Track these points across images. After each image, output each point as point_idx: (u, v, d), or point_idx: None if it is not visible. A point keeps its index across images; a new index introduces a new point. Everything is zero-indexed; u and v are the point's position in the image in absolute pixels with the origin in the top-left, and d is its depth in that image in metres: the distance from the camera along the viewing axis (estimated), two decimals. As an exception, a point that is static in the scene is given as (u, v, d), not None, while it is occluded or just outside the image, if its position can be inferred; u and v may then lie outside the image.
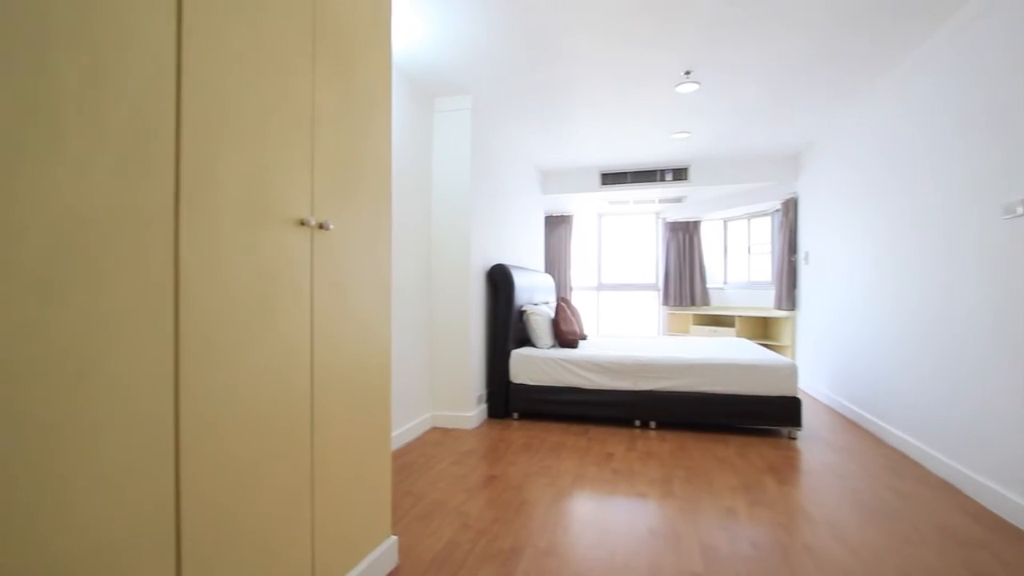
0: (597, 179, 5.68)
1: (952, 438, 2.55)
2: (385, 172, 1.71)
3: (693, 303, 6.64)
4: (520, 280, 4.05)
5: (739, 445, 3.16)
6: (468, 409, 3.55)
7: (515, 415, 3.82)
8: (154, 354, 0.89)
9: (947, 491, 2.43)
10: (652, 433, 3.43)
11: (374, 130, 1.65)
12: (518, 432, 3.45)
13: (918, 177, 2.91)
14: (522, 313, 4.09)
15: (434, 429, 3.51)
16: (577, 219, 7.29)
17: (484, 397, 3.83)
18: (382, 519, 1.70)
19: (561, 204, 6.63)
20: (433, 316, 3.61)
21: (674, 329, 6.86)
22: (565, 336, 4.06)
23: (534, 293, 4.51)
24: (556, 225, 7.06)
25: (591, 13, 2.50)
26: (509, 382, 3.80)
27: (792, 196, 5.24)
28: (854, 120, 3.80)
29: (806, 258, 4.94)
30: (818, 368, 4.59)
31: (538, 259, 5.85)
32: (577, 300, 7.31)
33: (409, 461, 2.85)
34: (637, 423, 3.61)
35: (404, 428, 3.20)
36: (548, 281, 5.23)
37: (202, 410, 0.99)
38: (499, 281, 3.86)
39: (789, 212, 5.24)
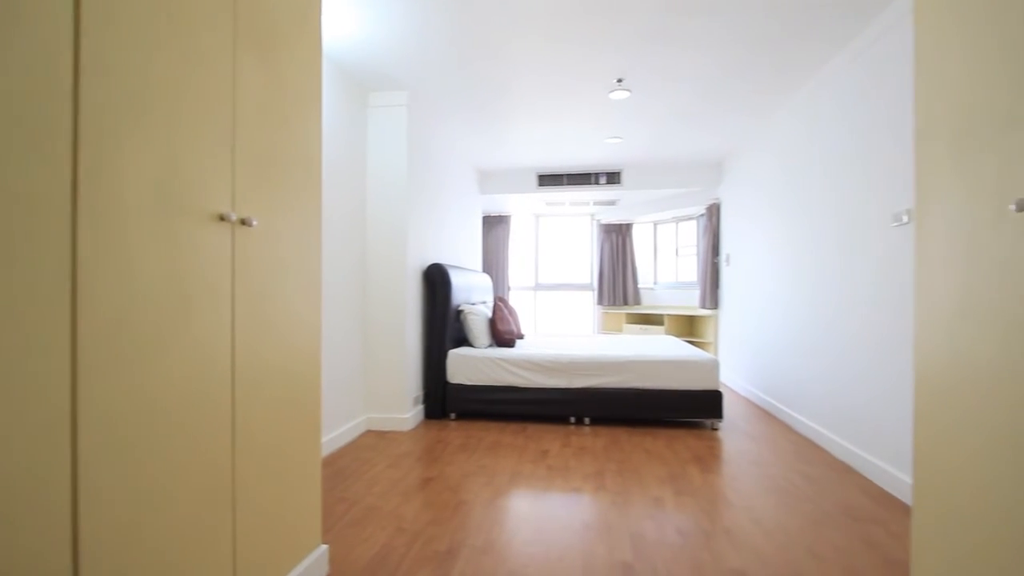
0: (534, 180, 5.76)
1: (851, 425, 2.81)
2: (315, 167, 1.65)
3: (626, 303, 6.88)
4: (457, 280, 4.03)
5: (667, 438, 3.32)
6: (404, 411, 3.49)
7: (453, 415, 3.80)
8: (47, 355, 0.80)
9: (848, 473, 2.67)
10: (586, 429, 3.52)
11: (303, 123, 1.58)
12: (456, 432, 3.43)
13: (820, 188, 3.18)
14: (459, 313, 4.08)
15: (369, 432, 3.42)
16: (515, 219, 7.36)
17: (421, 398, 3.78)
18: (311, 528, 1.63)
19: (499, 204, 6.67)
20: (368, 316, 3.51)
21: (608, 328, 7.08)
22: (502, 335, 4.09)
23: (471, 293, 4.50)
24: (494, 225, 7.09)
25: (527, 13, 2.53)
26: (446, 382, 3.78)
27: (715, 201, 5.56)
28: (768, 133, 4.09)
29: (727, 260, 5.26)
30: (737, 363, 4.90)
31: (476, 259, 5.85)
32: (515, 300, 7.39)
33: (343, 466, 2.76)
34: (572, 420, 3.70)
35: (337, 432, 3.09)
36: (486, 281, 5.24)
37: (103, 416, 0.91)
38: (436, 280, 3.82)
39: (713, 216, 5.56)
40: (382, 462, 2.84)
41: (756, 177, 4.42)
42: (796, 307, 3.57)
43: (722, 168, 5.45)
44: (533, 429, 3.52)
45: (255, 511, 1.35)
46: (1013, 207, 1.01)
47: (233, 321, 1.26)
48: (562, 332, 7.12)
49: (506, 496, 2.37)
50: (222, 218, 1.21)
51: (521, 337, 4.81)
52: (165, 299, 1.05)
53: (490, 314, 4.29)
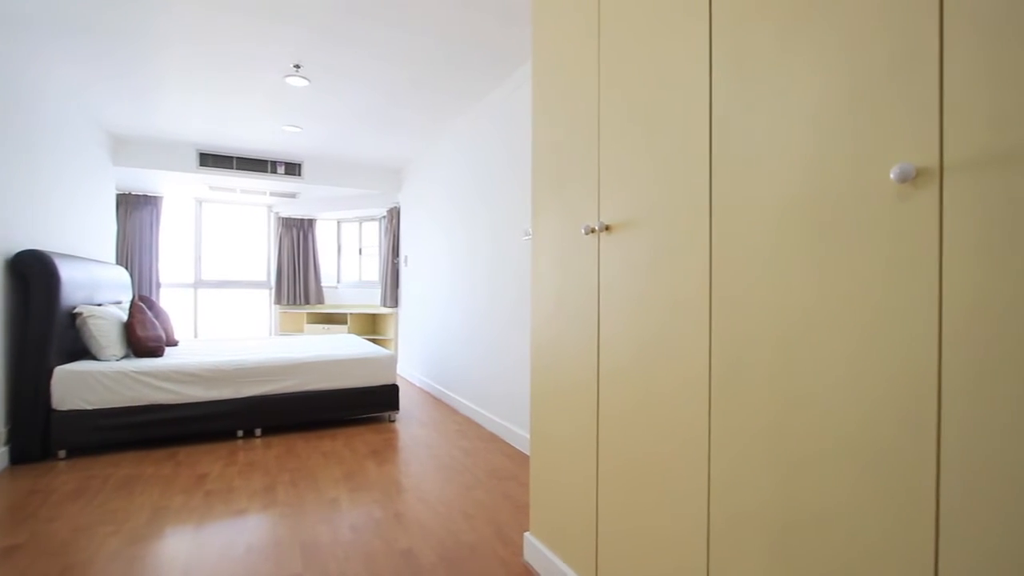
0: (195, 159, 4.89)
1: (498, 400, 3.40)
2: None
3: (308, 302, 6.56)
4: (71, 273, 3.08)
5: (346, 436, 3.32)
6: (-32, 459, 2.45)
7: (62, 453, 2.88)
8: None
9: (496, 442, 3.22)
10: (257, 441, 3.20)
11: None
12: (66, 475, 2.61)
13: (479, 203, 3.76)
14: (75, 316, 3.12)
15: None
16: (168, 202, 6.08)
17: (3, 437, 2.72)
18: None
19: (144, 182, 5.39)
20: None
21: (287, 329, 6.61)
22: (144, 343, 3.33)
23: (97, 290, 3.51)
24: (137, 207, 5.69)
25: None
26: (51, 410, 2.84)
27: (396, 205, 5.87)
28: (439, 149, 4.57)
29: (405, 261, 5.63)
30: (414, 356, 5.31)
31: (107, 248, 4.58)
32: (167, 300, 6.10)
33: None
34: (240, 434, 3.31)
35: None
36: (121, 276, 4.17)
37: None
38: (32, 273, 2.82)
39: (393, 219, 5.85)
40: (-81, 541, 1.92)
41: (429, 188, 4.87)
42: (459, 304, 4.10)
43: (402, 175, 5.79)
44: (188, 452, 2.99)
45: None
46: (583, 230, 1.41)
47: None
48: (231, 336, 6.27)
49: (143, 542, 1.94)
50: None
51: (174, 344, 4.03)
52: None
53: (126, 317, 3.44)
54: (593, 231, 1.39)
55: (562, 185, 1.57)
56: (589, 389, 1.43)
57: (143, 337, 3.33)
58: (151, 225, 5.78)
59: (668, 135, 1.15)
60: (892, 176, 0.71)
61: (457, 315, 4.17)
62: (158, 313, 4.01)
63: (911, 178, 0.70)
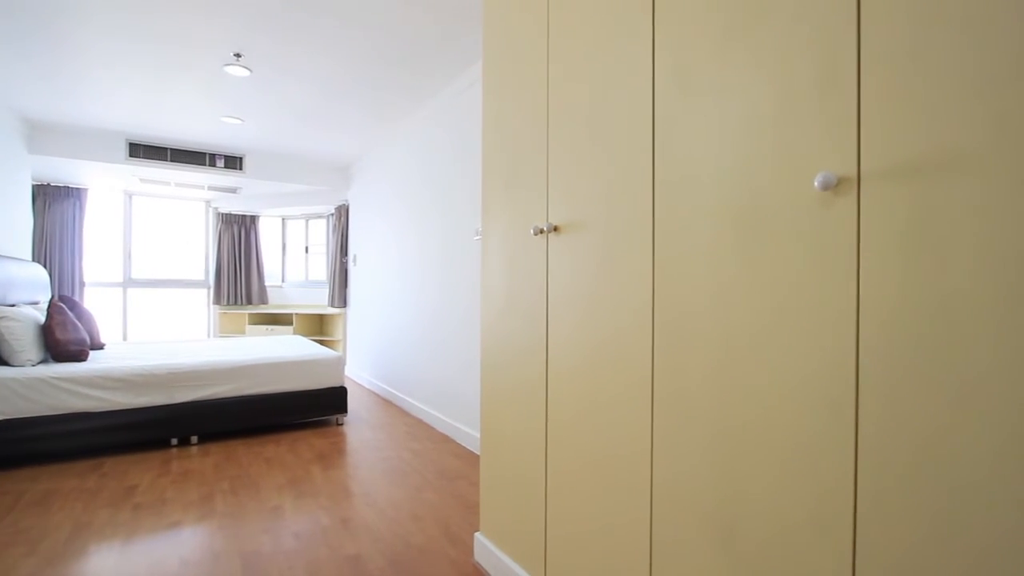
0: (124, 149, 4.58)
1: (449, 402, 3.38)
2: None
3: (250, 302, 6.28)
4: (-21, 272, 2.81)
5: (291, 441, 3.21)
6: None
7: (-34, 469, 2.63)
8: None
9: (447, 443, 3.20)
10: (194, 449, 3.04)
11: None
12: (-29, 492, 2.39)
13: (430, 203, 3.72)
14: (-17, 320, 2.85)
15: None
16: (94, 195, 5.66)
17: None
18: None
19: (66, 172, 4.99)
20: None
21: (228, 330, 6.30)
22: (65, 347, 3.08)
23: (10, 290, 3.23)
24: (58, 200, 5.27)
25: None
26: (-47, 422, 2.58)
27: (344, 203, 5.71)
28: (388, 148, 4.49)
29: (355, 260, 5.49)
30: (363, 357, 5.19)
31: (21, 243, 4.21)
32: (92, 300, 5.68)
33: None
34: (175, 441, 3.12)
35: None
36: (38, 274, 3.85)
37: None
38: (-68, 273, 2.56)
39: (341, 217, 5.70)
40: None
41: (379, 186, 4.78)
42: (410, 303, 4.04)
43: (350, 172, 5.65)
44: (115, 463, 2.80)
45: None
46: (532, 231, 1.42)
47: None
48: (165, 338, 5.92)
49: (61, 562, 1.80)
50: None
51: (99, 347, 3.76)
52: None
53: (43, 319, 3.17)
54: (542, 232, 1.41)
55: (512, 185, 1.57)
56: (538, 388, 1.44)
57: (63, 340, 3.09)
58: (74, 219, 5.36)
59: (614, 139, 1.18)
60: (816, 184, 0.76)
61: (408, 315, 4.11)
62: (81, 314, 3.73)
63: (832, 186, 0.75)
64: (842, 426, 0.76)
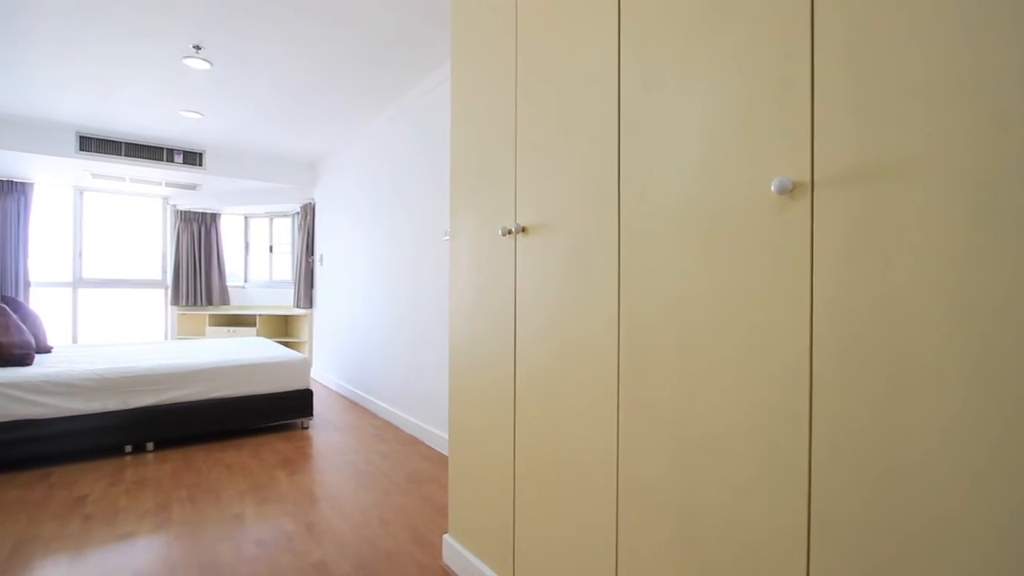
0: (74, 142, 4.36)
1: (418, 403, 3.34)
2: None
3: (211, 302, 6.07)
4: (-89, 271, 2.63)
5: (254, 446, 3.12)
6: None
7: None
8: None
9: (416, 444, 3.17)
10: (149, 456, 2.92)
11: None
12: (-99, 507, 2.23)
13: (398, 203, 3.67)
14: (-85, 322, 2.67)
15: None
16: (41, 191, 5.37)
17: None
18: None
19: (9, 166, 4.72)
20: None
21: (187, 332, 6.08)
22: (8, 350, 2.92)
23: (-55, 291, 3.03)
24: (0, 195, 4.98)
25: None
26: None
27: (310, 202, 5.59)
28: (356, 146, 4.42)
29: (321, 260, 5.38)
30: (329, 359, 5.09)
31: (-42, 241, 3.95)
32: (39, 301, 5.39)
33: None
34: (129, 448, 2.99)
35: None
36: (-22, 274, 3.63)
37: None
38: None
39: (307, 216, 5.57)
40: None
41: (347, 184, 4.69)
42: (378, 304, 3.99)
43: (317, 170, 5.53)
44: (64, 472, 2.66)
45: None
46: (500, 232, 1.42)
47: None
48: (118, 340, 5.67)
49: None
50: None
51: (46, 351, 3.57)
52: None
53: (-16, 322, 2.99)
54: (510, 232, 1.41)
55: (480, 185, 1.57)
56: (507, 389, 1.45)
57: (6, 343, 2.92)
58: (18, 216, 5.07)
59: (580, 138, 1.19)
60: (772, 188, 0.78)
61: (376, 316, 4.05)
62: (26, 316, 3.54)
63: (788, 191, 0.78)
64: (797, 427, 0.78)
